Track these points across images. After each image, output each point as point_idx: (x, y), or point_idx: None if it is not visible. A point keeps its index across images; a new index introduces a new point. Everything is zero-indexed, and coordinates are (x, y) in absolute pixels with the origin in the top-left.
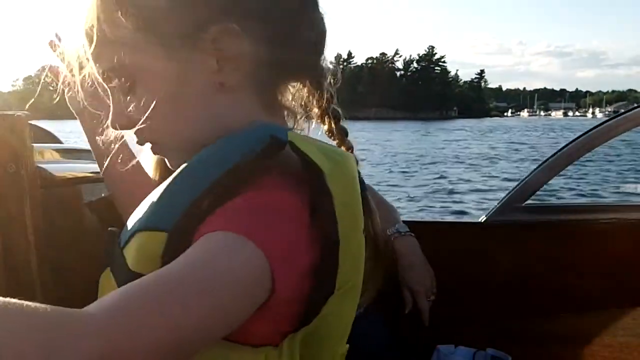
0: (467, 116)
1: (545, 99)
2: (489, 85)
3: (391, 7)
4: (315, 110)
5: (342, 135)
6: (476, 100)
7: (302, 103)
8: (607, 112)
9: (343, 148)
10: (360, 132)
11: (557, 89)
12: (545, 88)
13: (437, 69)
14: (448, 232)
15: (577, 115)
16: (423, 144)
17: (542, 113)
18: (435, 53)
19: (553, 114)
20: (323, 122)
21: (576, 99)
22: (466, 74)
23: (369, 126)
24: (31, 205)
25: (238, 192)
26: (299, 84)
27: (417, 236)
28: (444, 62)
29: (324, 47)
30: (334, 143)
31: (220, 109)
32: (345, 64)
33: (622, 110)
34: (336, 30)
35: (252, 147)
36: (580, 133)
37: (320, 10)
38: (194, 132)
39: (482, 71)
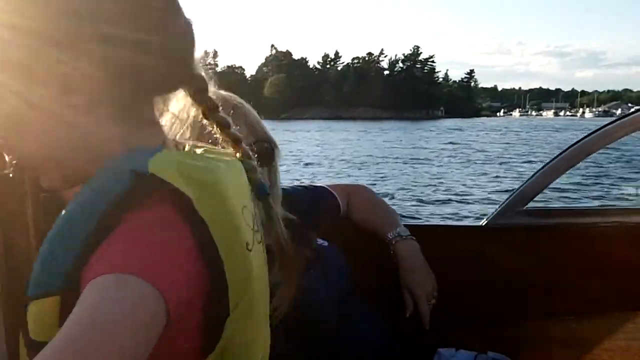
0: (455, 116)
1: (540, 98)
2: (485, 85)
3: (391, 7)
4: (198, 119)
5: (234, 142)
6: (466, 99)
7: (186, 113)
8: (597, 112)
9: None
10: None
11: (555, 88)
12: (540, 88)
13: (425, 69)
14: (449, 235)
15: (567, 115)
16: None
17: (534, 113)
18: (421, 52)
19: (544, 113)
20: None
21: (571, 99)
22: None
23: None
24: (33, 206)
25: (112, 237)
26: (177, 93)
27: (418, 240)
28: (432, 61)
29: (192, 56)
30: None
31: (78, 128)
32: (332, 63)
33: (613, 110)
34: (323, 29)
35: (115, 191)
36: (581, 136)
37: (186, 18)
38: (51, 151)
39: (472, 71)
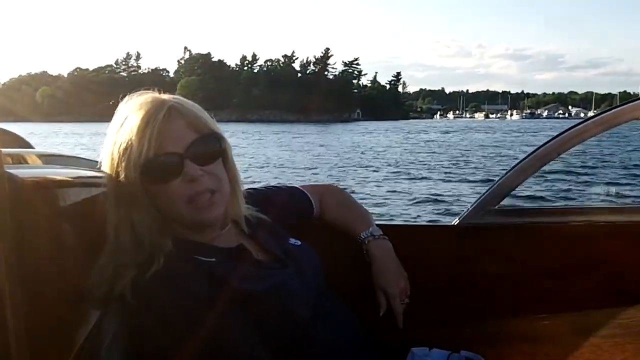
0: (379, 119)
1: (487, 101)
2: (432, 88)
3: (357, 9)
4: None
5: None
6: (393, 102)
7: None
8: (523, 115)
9: None
10: None
11: (502, 91)
12: (488, 90)
13: (337, 71)
14: (422, 235)
15: (497, 117)
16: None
17: (468, 115)
18: (331, 55)
19: (476, 115)
20: None
21: (517, 101)
22: (429, 77)
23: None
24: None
25: None
26: None
27: (390, 239)
28: (357, 64)
29: None
30: None
31: None
32: (249, 66)
33: (550, 112)
34: (252, 32)
35: None
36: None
37: None
38: None
39: (399, 74)
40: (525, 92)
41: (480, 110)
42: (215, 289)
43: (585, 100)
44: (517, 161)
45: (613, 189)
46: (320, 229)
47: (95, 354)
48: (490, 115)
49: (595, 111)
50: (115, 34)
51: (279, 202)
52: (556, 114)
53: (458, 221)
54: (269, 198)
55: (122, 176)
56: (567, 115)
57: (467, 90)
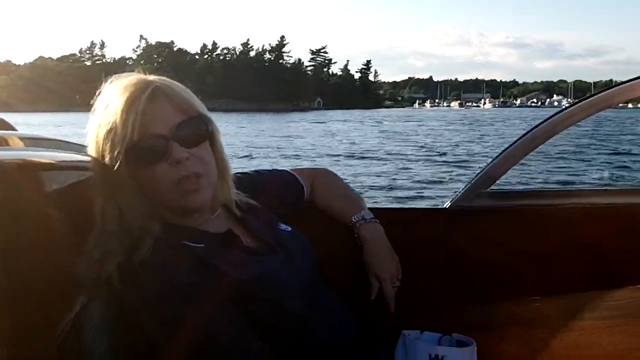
0: (346, 107)
1: (475, 89)
2: (420, 77)
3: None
4: None
5: None
6: (363, 91)
7: None
8: (496, 103)
9: None
10: None
11: (490, 79)
12: (476, 79)
13: (293, 60)
14: (413, 218)
15: (474, 106)
16: None
17: (445, 104)
18: (286, 43)
19: (452, 104)
20: None
21: (506, 89)
22: (430, 64)
23: None
24: None
25: None
26: None
27: (382, 223)
28: (324, 52)
29: None
30: None
31: None
32: (209, 54)
33: (532, 101)
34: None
35: None
36: (542, 120)
37: None
38: None
39: (369, 62)
40: (517, 80)
41: (459, 99)
42: (203, 275)
43: (575, 88)
44: (508, 145)
45: (605, 173)
46: (312, 214)
47: (81, 338)
48: (468, 104)
49: (569, 100)
50: (80, 22)
51: (269, 186)
52: (530, 102)
53: (449, 204)
54: (258, 183)
55: (107, 159)
56: (539, 103)
57: (456, 79)
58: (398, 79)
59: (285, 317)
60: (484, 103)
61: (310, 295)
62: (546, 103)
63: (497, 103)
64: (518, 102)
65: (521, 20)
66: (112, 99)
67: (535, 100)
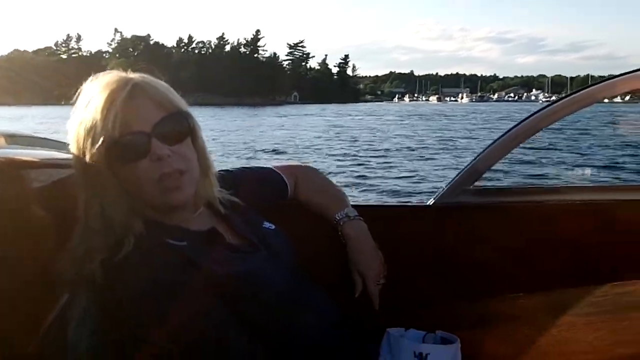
0: (324, 101)
1: (455, 84)
2: (401, 71)
3: None
4: None
5: None
6: (341, 86)
7: None
8: (473, 98)
9: None
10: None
11: (470, 74)
12: (457, 73)
13: (268, 54)
14: (397, 215)
15: (452, 100)
16: None
17: (424, 98)
18: (262, 37)
19: (431, 98)
20: None
21: (486, 84)
22: (413, 59)
23: None
24: None
25: None
26: None
27: (366, 220)
28: (302, 46)
29: None
30: None
31: None
32: (186, 48)
33: (495, 96)
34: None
35: None
36: (526, 115)
37: None
38: None
39: (347, 56)
40: (497, 75)
41: (439, 94)
42: (186, 274)
43: (554, 83)
44: (492, 141)
45: (588, 170)
46: (296, 211)
47: (64, 334)
48: (446, 98)
49: (546, 94)
50: (56, 15)
51: (253, 184)
52: (507, 96)
53: (433, 201)
54: (241, 180)
55: (88, 157)
56: (517, 98)
57: (437, 74)
58: (380, 73)
59: (270, 313)
60: (462, 97)
61: (297, 294)
62: (523, 97)
63: (474, 97)
64: (495, 96)
65: (506, 13)
66: (92, 96)
67: (512, 94)
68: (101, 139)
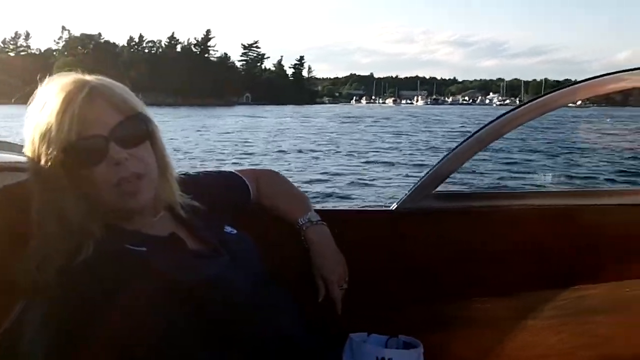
0: (278, 103)
1: (414, 87)
2: (363, 74)
3: None
4: None
5: None
6: (296, 87)
7: None
8: (428, 100)
9: None
10: None
11: (429, 77)
12: (417, 76)
13: (253, 56)
14: (359, 220)
15: (407, 103)
16: None
17: (380, 101)
18: (212, 37)
19: (387, 101)
20: None
21: (444, 87)
22: (375, 62)
23: None
24: None
25: None
26: None
27: (328, 225)
28: (257, 47)
29: None
30: None
31: None
32: (136, 47)
33: (450, 99)
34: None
35: None
36: (490, 119)
37: None
38: None
39: (302, 58)
40: (457, 78)
41: (395, 96)
42: (145, 279)
43: (512, 87)
44: (455, 146)
45: (549, 175)
46: (258, 216)
47: (19, 341)
48: (402, 101)
49: (500, 98)
50: (3, 13)
51: (214, 188)
52: (461, 100)
53: (396, 206)
54: (202, 184)
55: (44, 161)
56: (471, 101)
57: (397, 76)
58: (341, 75)
59: (231, 319)
60: (417, 100)
61: (257, 297)
62: (477, 100)
63: (429, 100)
64: (450, 99)
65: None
66: (48, 99)
67: (467, 98)
68: (57, 142)
